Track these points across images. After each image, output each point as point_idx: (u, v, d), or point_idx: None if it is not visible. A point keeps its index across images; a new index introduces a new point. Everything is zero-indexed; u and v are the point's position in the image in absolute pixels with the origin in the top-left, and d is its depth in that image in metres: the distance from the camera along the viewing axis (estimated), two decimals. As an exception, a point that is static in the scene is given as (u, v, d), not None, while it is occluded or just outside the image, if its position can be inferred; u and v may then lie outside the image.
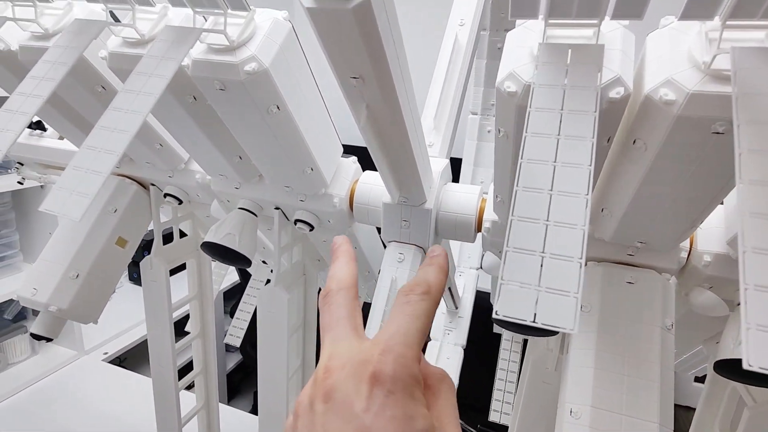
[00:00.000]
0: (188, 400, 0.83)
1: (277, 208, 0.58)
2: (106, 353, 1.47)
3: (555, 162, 0.22)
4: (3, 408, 1.22)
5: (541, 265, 0.20)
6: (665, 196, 0.34)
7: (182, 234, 0.76)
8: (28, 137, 0.70)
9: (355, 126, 0.35)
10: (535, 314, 0.19)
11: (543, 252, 0.20)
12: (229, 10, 0.35)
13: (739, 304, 0.42)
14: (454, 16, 0.64)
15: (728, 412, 0.53)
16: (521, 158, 0.23)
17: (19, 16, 0.42)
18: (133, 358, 1.60)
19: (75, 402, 1.25)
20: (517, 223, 0.21)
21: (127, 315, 1.62)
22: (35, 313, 1.41)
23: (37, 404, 1.24)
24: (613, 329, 0.41)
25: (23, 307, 1.38)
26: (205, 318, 0.81)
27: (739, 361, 0.40)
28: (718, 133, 0.27)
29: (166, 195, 0.64)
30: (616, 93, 0.28)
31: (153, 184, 0.66)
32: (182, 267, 0.80)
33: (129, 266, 1.86)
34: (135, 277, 1.91)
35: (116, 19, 0.41)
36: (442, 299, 0.91)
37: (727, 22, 0.25)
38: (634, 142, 0.31)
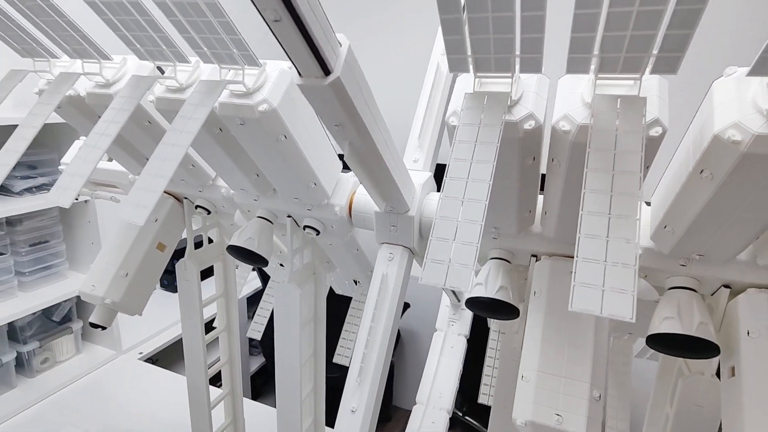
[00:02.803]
0: (216, 394, 0.95)
1: (289, 216, 0.69)
2: (141, 353, 1.61)
3: (467, 179, 0.32)
4: (52, 401, 1.37)
5: (452, 248, 0.30)
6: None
7: (210, 240, 0.88)
8: (83, 160, 0.83)
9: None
10: (446, 280, 0.29)
11: (454, 240, 0.30)
12: (246, 66, 0.46)
13: (669, 288, 0.51)
14: (437, 47, 0.74)
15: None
16: (446, 176, 0.33)
17: (87, 71, 0.54)
18: (165, 358, 1.73)
19: (113, 396, 1.39)
20: (439, 221, 0.31)
21: (159, 319, 1.76)
22: (80, 315, 1.57)
23: (80, 397, 1.38)
24: (557, 310, 0.50)
25: (69, 310, 1.53)
26: (230, 314, 0.92)
27: (663, 334, 0.49)
28: None
29: (197, 207, 0.76)
30: (528, 125, 0.38)
31: (186, 198, 0.78)
32: (210, 274, 0.92)
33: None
34: (165, 284, 2.05)
35: (161, 71, 0.53)
36: (445, 293, 1.00)
37: None
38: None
